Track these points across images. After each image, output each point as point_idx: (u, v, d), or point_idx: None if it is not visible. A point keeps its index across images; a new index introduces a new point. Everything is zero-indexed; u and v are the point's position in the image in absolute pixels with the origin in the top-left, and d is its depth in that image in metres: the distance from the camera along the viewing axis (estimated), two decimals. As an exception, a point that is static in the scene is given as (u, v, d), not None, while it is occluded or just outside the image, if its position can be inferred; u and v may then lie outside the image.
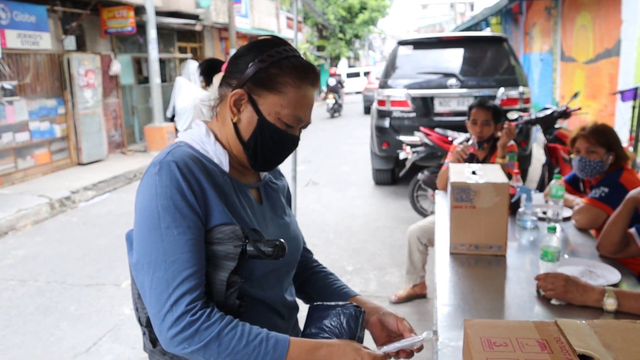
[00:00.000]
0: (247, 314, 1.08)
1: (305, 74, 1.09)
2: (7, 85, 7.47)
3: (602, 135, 2.51)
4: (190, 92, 8.45)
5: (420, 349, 1.12)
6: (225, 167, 1.12)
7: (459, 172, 2.21)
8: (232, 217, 1.06)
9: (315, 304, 1.20)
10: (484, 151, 3.45)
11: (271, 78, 1.07)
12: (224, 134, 1.14)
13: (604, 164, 2.49)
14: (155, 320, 0.99)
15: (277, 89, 1.07)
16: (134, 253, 1.05)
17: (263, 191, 1.22)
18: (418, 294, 3.59)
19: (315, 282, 1.36)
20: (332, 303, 1.17)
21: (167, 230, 0.99)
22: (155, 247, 0.99)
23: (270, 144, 1.11)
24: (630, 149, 4.68)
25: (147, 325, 1.10)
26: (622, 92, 5.06)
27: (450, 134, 5.20)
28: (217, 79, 1.18)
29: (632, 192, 2.06)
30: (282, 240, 1.06)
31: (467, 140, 3.59)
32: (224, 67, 1.16)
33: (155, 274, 0.99)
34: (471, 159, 3.35)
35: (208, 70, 1.19)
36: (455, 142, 3.73)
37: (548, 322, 0.89)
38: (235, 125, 1.11)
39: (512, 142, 3.39)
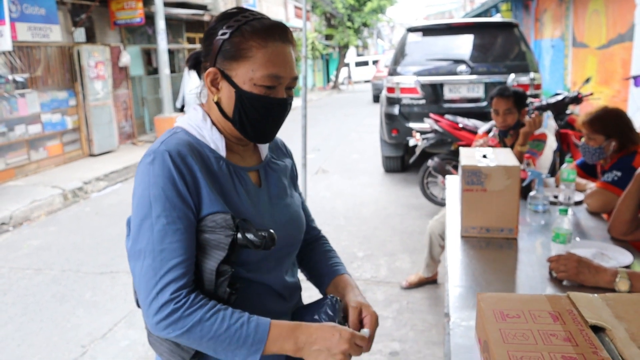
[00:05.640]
0: (247, 297, 1.10)
1: (268, 32, 1.05)
2: (19, 77, 7.53)
3: (600, 122, 2.51)
4: (199, 81, 8.50)
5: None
6: (222, 152, 1.12)
7: (470, 155, 2.21)
8: (224, 205, 1.06)
9: (296, 308, 1.23)
10: (511, 138, 3.37)
11: (235, 47, 1.05)
12: (215, 116, 1.14)
13: (603, 150, 2.49)
14: (143, 306, 1.02)
15: (244, 56, 1.05)
16: (129, 240, 1.07)
17: (263, 173, 1.20)
18: (429, 279, 3.60)
19: (313, 254, 1.35)
20: (311, 302, 1.20)
21: (158, 219, 1.01)
22: (146, 235, 1.02)
23: (255, 113, 1.08)
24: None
25: None
26: (635, 77, 5.01)
27: (460, 120, 5.18)
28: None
29: None
30: (271, 230, 1.06)
31: (490, 130, 3.55)
32: None
33: (144, 262, 1.01)
34: None
35: (195, 64, 1.17)
36: (479, 132, 3.66)
37: (560, 296, 0.90)
38: (217, 104, 1.11)
39: (541, 131, 3.34)
